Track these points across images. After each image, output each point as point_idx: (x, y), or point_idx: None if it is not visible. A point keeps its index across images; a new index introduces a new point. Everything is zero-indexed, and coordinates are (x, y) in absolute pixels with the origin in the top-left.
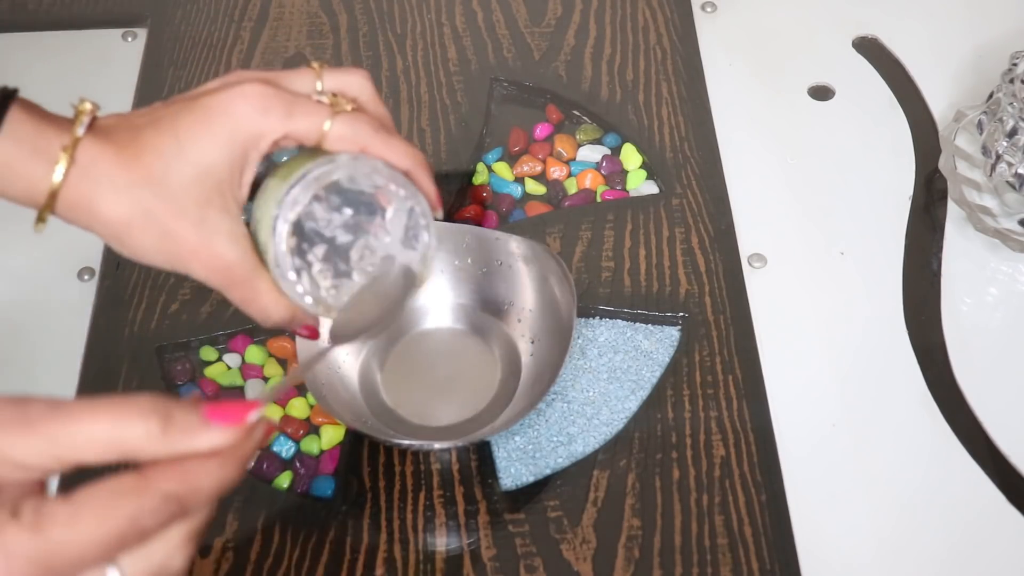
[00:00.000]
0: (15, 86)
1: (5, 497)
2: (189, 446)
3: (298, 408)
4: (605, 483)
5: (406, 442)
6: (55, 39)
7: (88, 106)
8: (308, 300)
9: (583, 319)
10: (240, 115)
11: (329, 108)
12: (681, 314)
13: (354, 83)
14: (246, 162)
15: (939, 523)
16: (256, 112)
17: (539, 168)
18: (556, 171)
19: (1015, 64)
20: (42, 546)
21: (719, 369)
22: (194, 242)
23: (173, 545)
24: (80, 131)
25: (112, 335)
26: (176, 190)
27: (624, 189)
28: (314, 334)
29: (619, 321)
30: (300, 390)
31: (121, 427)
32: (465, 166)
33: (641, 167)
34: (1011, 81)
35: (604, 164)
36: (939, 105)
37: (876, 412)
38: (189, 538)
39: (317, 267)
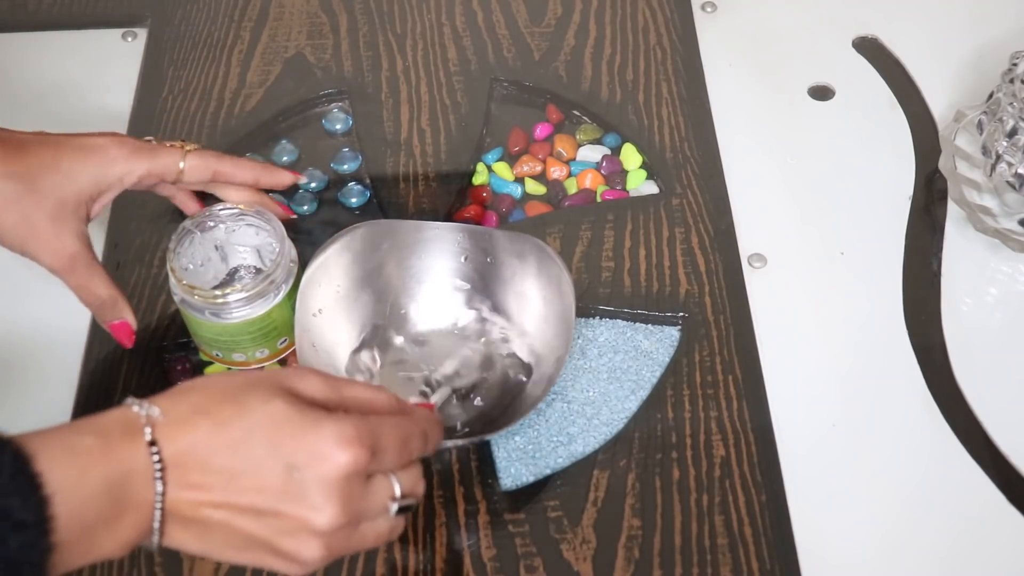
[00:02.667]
0: None
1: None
2: (409, 408)
3: None
4: (605, 483)
5: None
6: (55, 39)
7: None
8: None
9: (583, 319)
10: (114, 155)
11: (181, 150)
12: (681, 314)
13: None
14: (108, 189)
15: (939, 523)
16: (127, 155)
17: (539, 168)
18: (556, 171)
19: (1015, 64)
20: (374, 427)
21: (719, 369)
22: (47, 232)
23: (417, 475)
24: None
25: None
26: (44, 189)
27: (624, 189)
28: (126, 331)
29: (619, 321)
30: None
31: (379, 392)
32: (465, 166)
33: (641, 167)
34: (1011, 81)
35: (604, 164)
36: (939, 105)
37: (876, 412)
38: (421, 477)
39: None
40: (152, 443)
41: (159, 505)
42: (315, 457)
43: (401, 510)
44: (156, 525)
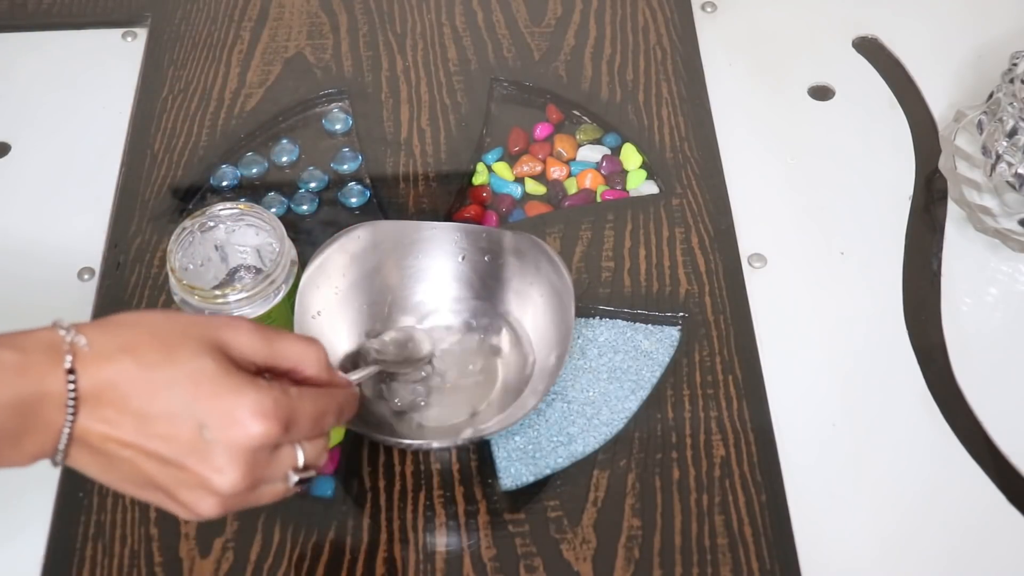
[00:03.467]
0: None
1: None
2: (334, 378)
3: None
4: (605, 483)
5: (406, 442)
6: (55, 39)
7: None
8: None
9: (583, 319)
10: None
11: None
12: (681, 314)
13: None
14: None
15: (939, 523)
16: None
17: (539, 168)
18: (556, 171)
19: (1015, 64)
20: (293, 402)
21: (719, 369)
22: None
23: (322, 447)
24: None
25: None
26: None
27: (624, 189)
28: None
29: (619, 321)
30: None
31: (309, 352)
32: (465, 166)
33: (641, 167)
34: (1011, 81)
35: (604, 164)
36: (939, 105)
37: (876, 412)
38: (326, 448)
39: None
40: (71, 371)
41: (67, 432)
42: (229, 421)
43: (300, 481)
44: (61, 448)
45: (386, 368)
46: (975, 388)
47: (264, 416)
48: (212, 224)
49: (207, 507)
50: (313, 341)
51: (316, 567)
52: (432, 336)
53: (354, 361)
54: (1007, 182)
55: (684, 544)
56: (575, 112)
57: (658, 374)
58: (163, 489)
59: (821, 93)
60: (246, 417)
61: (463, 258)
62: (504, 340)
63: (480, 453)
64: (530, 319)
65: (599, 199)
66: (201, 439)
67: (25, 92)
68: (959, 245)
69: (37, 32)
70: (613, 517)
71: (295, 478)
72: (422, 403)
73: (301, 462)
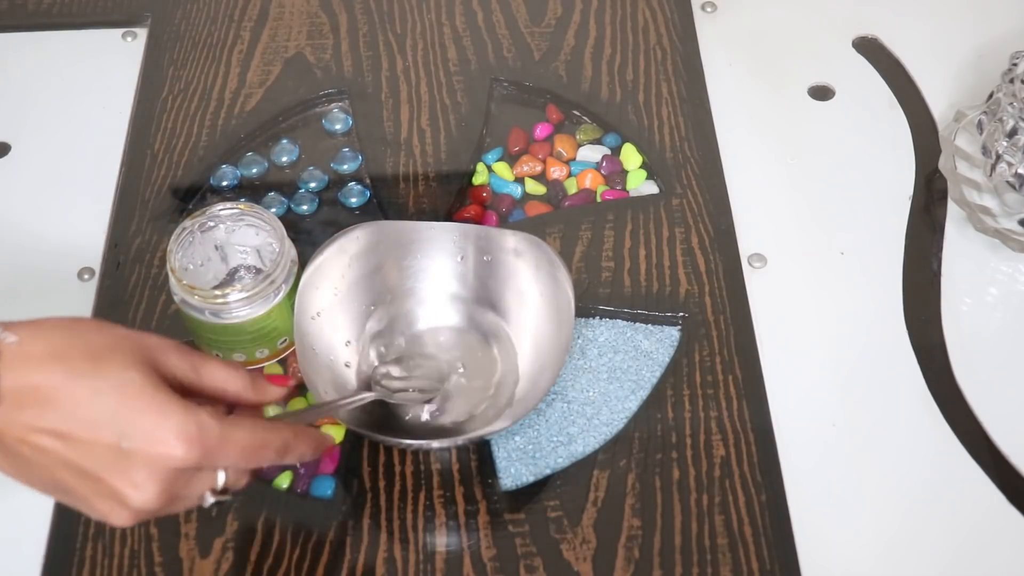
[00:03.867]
0: None
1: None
2: (265, 395)
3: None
4: (605, 483)
5: (406, 442)
6: (55, 39)
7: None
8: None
9: (583, 319)
10: None
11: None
12: (681, 314)
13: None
14: None
15: (939, 523)
16: None
17: (539, 168)
18: (556, 171)
19: (1015, 64)
20: (221, 431)
21: (719, 369)
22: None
23: (243, 471)
24: None
25: None
26: None
27: (624, 189)
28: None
29: (619, 321)
30: (301, 390)
31: (235, 379)
32: (465, 166)
33: (641, 167)
34: (1011, 81)
35: (604, 164)
36: (939, 105)
37: (876, 412)
38: (245, 473)
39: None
40: None
41: None
42: (151, 440)
43: (216, 503)
44: None
45: (386, 398)
46: (975, 388)
47: (187, 439)
48: (212, 224)
49: (120, 518)
50: (237, 368)
51: (316, 567)
52: (450, 366)
53: (366, 384)
54: (1007, 182)
55: (684, 544)
56: (575, 112)
57: (658, 374)
58: (78, 496)
59: (821, 93)
60: (170, 439)
61: (462, 258)
62: (504, 340)
63: (480, 453)
64: (530, 319)
65: (599, 199)
66: (121, 452)
67: (25, 92)
68: (959, 245)
69: (37, 32)
70: (613, 517)
71: (211, 500)
72: (425, 416)
73: (220, 484)
